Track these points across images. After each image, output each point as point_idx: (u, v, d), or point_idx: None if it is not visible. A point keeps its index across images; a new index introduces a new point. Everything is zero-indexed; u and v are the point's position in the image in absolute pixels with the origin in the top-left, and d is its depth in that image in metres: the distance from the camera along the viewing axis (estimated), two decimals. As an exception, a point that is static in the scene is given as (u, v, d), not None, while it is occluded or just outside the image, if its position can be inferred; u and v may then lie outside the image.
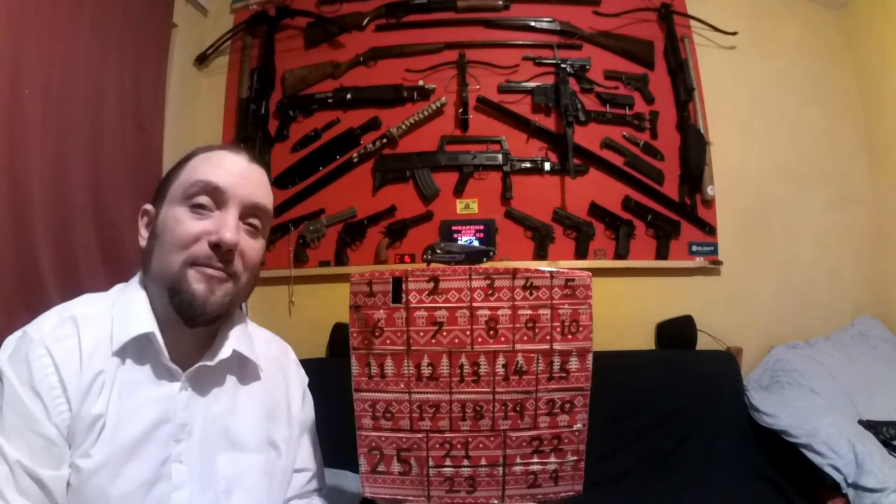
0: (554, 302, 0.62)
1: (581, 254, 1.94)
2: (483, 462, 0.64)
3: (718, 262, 1.98)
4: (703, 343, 1.88)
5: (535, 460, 0.64)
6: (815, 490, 1.47)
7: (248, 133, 1.97)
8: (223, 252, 0.63)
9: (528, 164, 1.97)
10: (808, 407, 1.58)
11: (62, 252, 1.33)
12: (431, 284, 0.62)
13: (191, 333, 0.64)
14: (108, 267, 1.45)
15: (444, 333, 0.62)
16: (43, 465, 0.56)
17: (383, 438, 0.64)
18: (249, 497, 0.66)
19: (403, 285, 0.62)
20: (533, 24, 2.03)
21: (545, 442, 0.64)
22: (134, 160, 1.61)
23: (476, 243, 1.90)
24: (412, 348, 0.63)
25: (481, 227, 1.93)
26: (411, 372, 0.63)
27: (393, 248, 1.96)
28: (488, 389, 0.63)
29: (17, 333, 0.62)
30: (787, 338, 1.92)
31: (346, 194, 1.99)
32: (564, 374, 0.63)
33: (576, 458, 0.65)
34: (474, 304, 0.62)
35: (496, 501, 0.64)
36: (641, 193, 1.99)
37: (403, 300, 0.62)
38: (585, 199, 1.97)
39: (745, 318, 1.97)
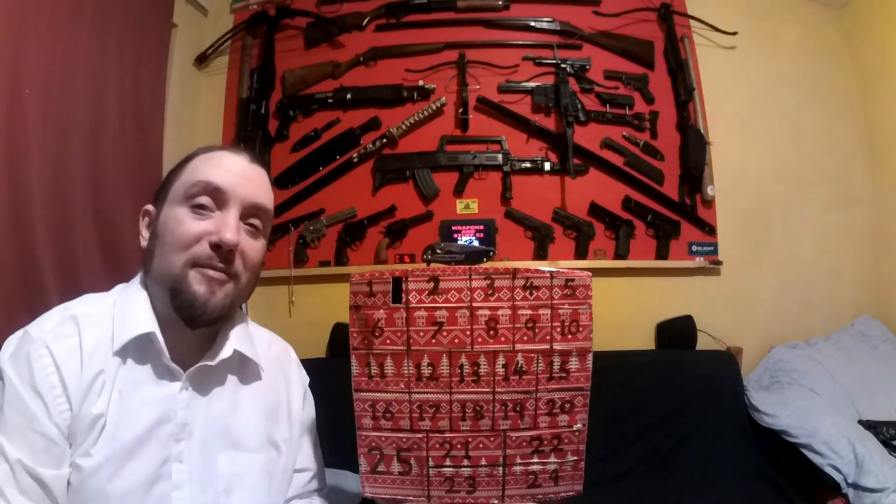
0: (554, 302, 0.62)
1: (581, 254, 1.95)
2: (483, 462, 0.64)
3: (718, 262, 1.98)
4: (703, 343, 1.89)
5: (535, 460, 0.64)
6: (815, 490, 1.47)
7: (248, 133, 1.97)
8: (224, 252, 0.63)
9: (528, 164, 1.97)
10: (808, 407, 1.58)
11: (62, 252, 1.33)
12: (431, 284, 0.62)
13: (192, 333, 0.64)
14: (108, 267, 1.45)
15: (444, 333, 0.62)
16: (43, 465, 0.56)
17: (383, 438, 0.64)
18: (250, 496, 0.66)
19: (403, 285, 0.62)
20: (533, 24, 2.03)
21: (545, 442, 0.64)
22: (134, 160, 1.61)
23: (476, 243, 1.90)
24: (412, 348, 0.63)
25: (481, 227, 1.93)
26: (411, 372, 0.63)
27: (393, 248, 1.96)
28: (488, 389, 0.63)
29: (19, 333, 0.62)
30: (787, 338, 1.92)
31: (346, 194, 1.99)
32: (564, 374, 0.63)
33: (576, 458, 0.65)
34: (474, 304, 0.62)
35: (496, 501, 0.64)
36: (641, 193, 1.99)
37: (403, 300, 0.62)
38: (585, 199, 1.97)
39: (745, 318, 1.98)
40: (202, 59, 2.05)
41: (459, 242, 1.88)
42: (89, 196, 1.43)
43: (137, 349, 0.63)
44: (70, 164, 1.37)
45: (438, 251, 0.67)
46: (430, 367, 0.63)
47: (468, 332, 0.62)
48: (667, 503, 1.52)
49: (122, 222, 1.51)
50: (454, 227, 1.93)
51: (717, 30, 2.04)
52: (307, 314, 1.94)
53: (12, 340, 0.61)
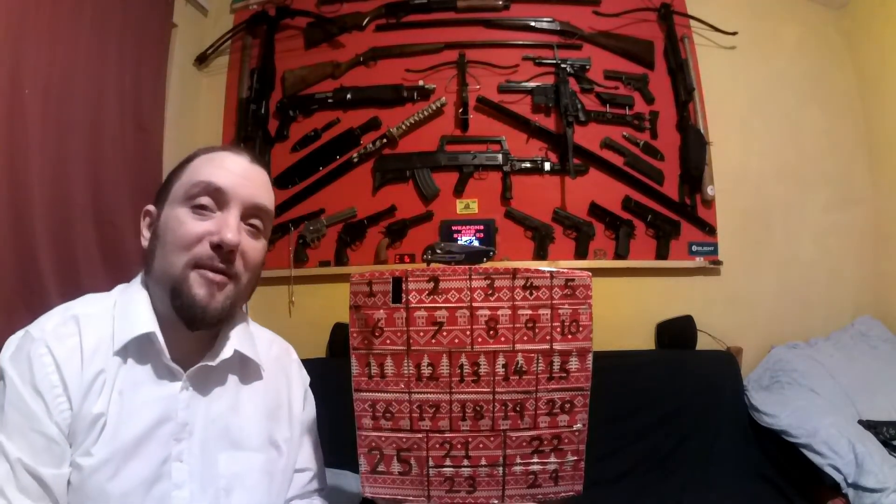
0: (554, 302, 0.62)
1: (581, 254, 1.95)
2: (483, 462, 0.64)
3: (718, 262, 1.98)
4: (703, 343, 1.89)
5: (535, 460, 0.64)
6: (815, 490, 1.47)
7: (248, 133, 1.97)
8: (225, 253, 0.63)
9: (528, 164, 1.97)
10: (808, 407, 1.58)
11: (62, 252, 1.33)
12: (431, 284, 0.62)
13: (192, 334, 0.65)
14: (108, 267, 1.45)
15: (444, 333, 0.62)
16: (44, 464, 0.56)
17: (383, 438, 0.64)
18: (250, 496, 0.66)
19: (403, 285, 0.62)
20: (533, 24, 2.03)
21: (545, 442, 0.64)
22: (134, 160, 1.61)
23: (476, 243, 1.90)
24: (412, 348, 0.63)
25: (481, 227, 1.93)
26: (411, 372, 0.63)
27: (393, 248, 1.96)
28: (488, 389, 0.63)
29: (20, 333, 0.62)
30: (787, 338, 1.92)
31: (346, 194, 1.99)
32: (564, 374, 0.63)
33: (576, 458, 0.65)
34: (474, 304, 0.62)
35: (496, 501, 0.64)
36: (641, 193, 1.99)
37: (403, 300, 0.62)
38: (585, 199, 1.97)
39: (745, 318, 1.98)
40: (202, 59, 2.05)
41: (459, 242, 1.88)
42: (89, 196, 1.43)
43: (138, 349, 0.63)
44: (70, 164, 1.37)
45: (438, 251, 0.67)
46: (430, 367, 0.63)
47: (468, 332, 0.62)
48: (667, 503, 1.52)
49: (122, 222, 1.51)
50: (454, 227, 1.93)
51: (717, 30, 2.04)
52: (307, 314, 1.94)
53: (13, 340, 0.61)
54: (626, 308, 1.93)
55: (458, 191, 1.98)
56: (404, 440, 0.64)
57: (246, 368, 0.72)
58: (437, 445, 0.64)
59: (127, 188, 1.55)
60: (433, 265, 0.65)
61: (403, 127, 1.97)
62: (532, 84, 2.00)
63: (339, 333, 1.85)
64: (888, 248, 2.01)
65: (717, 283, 1.99)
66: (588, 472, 0.66)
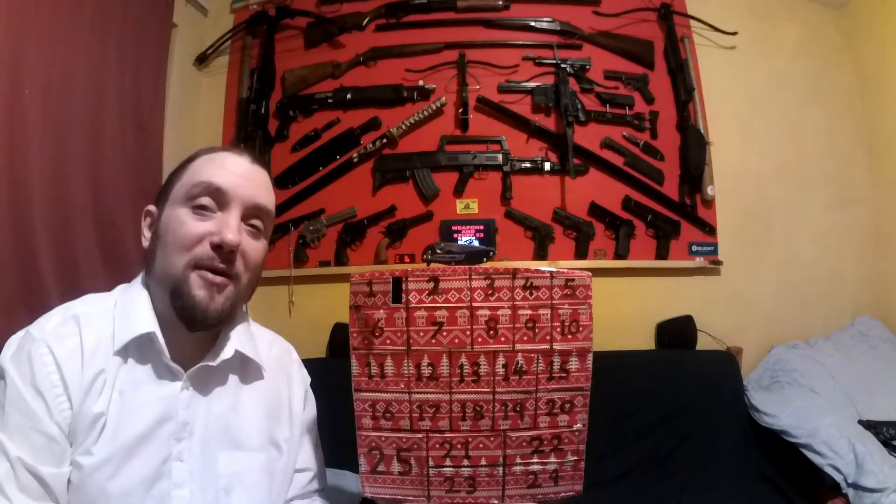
0: (554, 302, 0.62)
1: (581, 254, 1.95)
2: (483, 462, 0.64)
3: (718, 262, 1.98)
4: (703, 343, 1.89)
5: (535, 460, 0.64)
6: (815, 490, 1.47)
7: (248, 133, 1.97)
8: (225, 253, 0.63)
9: (528, 164, 1.97)
10: (808, 407, 1.58)
11: (62, 252, 1.33)
12: (431, 284, 0.62)
13: (193, 334, 0.65)
14: (108, 267, 1.45)
15: (444, 333, 0.62)
16: (44, 463, 0.56)
17: (383, 438, 0.64)
18: (250, 496, 0.66)
19: (403, 285, 0.62)
20: (533, 24, 2.03)
21: (545, 442, 0.64)
22: (134, 160, 1.61)
23: (476, 243, 1.90)
24: (412, 348, 0.63)
25: (481, 227, 1.93)
26: (411, 372, 0.63)
27: (393, 248, 1.96)
28: (488, 389, 0.63)
29: (21, 332, 0.62)
30: (787, 338, 1.92)
31: (346, 194, 1.99)
32: (564, 374, 0.63)
33: (576, 458, 0.65)
34: (474, 304, 0.62)
35: (496, 501, 0.64)
36: (641, 193, 1.99)
37: (403, 300, 0.62)
38: (585, 199, 1.97)
39: (745, 318, 1.98)
40: (202, 59, 2.05)
41: (459, 242, 1.88)
42: (89, 196, 1.43)
43: (138, 349, 0.63)
44: (70, 164, 1.37)
45: (438, 251, 0.67)
46: (430, 367, 0.63)
47: (468, 332, 0.62)
48: (667, 503, 1.52)
49: (122, 222, 1.51)
50: (454, 227, 1.93)
51: (717, 30, 2.04)
52: (307, 314, 1.94)
53: (14, 340, 0.62)
54: (626, 308, 1.93)
55: (458, 191, 1.98)
56: (404, 440, 0.64)
57: (246, 368, 0.72)
58: (437, 445, 0.64)
59: (127, 188, 1.55)
60: (433, 265, 0.65)
61: (403, 127, 1.97)
62: (532, 84, 2.00)
63: (339, 333, 1.85)
64: (888, 248, 2.01)
65: (717, 283, 1.99)
66: (588, 472, 0.66)
